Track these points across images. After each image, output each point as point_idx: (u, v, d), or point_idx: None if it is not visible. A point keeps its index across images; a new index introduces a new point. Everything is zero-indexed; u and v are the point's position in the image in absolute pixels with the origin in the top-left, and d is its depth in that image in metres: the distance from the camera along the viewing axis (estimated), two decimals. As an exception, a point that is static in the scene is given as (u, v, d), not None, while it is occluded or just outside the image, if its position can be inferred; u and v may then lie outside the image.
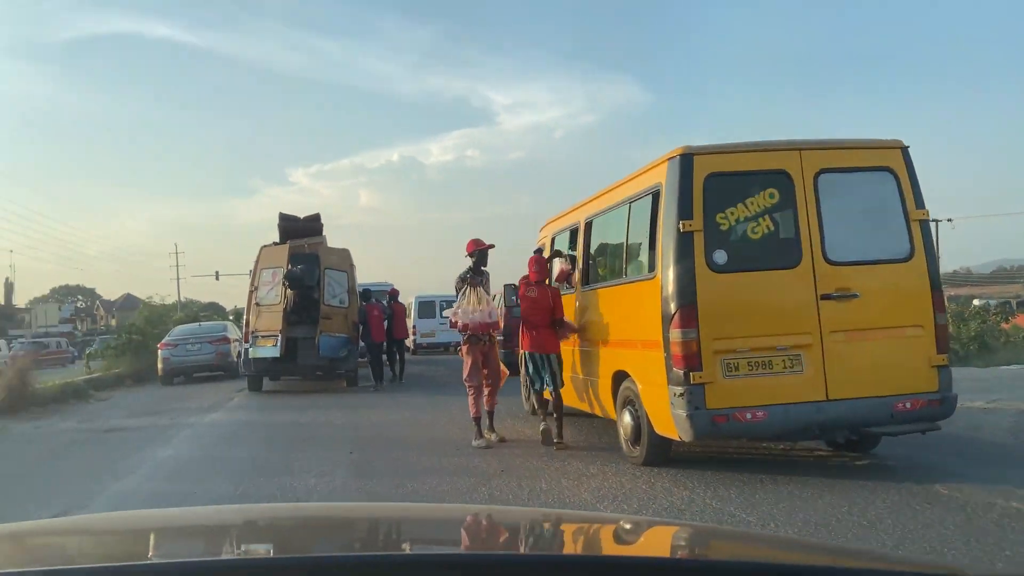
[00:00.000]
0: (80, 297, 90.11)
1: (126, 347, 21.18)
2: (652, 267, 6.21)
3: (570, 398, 7.98)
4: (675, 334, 5.77)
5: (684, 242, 5.80)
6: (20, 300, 74.77)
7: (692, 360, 5.73)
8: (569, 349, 7.93)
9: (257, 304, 14.19)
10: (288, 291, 13.91)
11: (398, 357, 15.68)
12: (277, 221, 15.01)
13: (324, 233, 15.20)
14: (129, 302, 72.44)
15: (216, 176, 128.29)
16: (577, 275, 8.09)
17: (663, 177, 6.07)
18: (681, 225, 5.81)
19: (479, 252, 8.25)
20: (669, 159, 6.05)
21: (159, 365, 18.11)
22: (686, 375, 5.72)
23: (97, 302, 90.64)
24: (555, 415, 7.57)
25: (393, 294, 16.32)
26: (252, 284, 14.42)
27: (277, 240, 15.07)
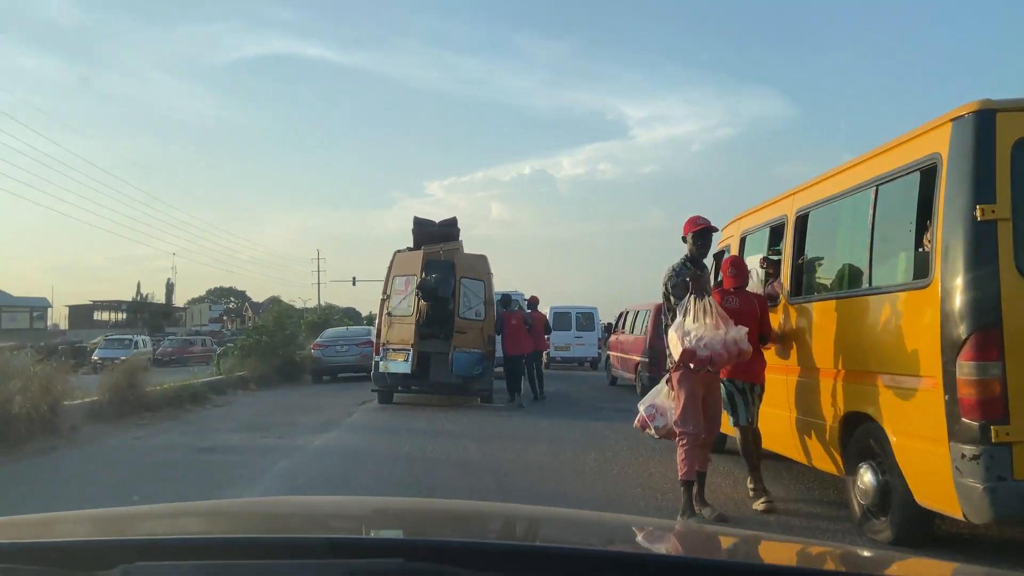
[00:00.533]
0: (232, 299, 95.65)
1: (253, 348, 19.92)
2: (923, 272, 4.43)
3: (767, 439, 6.20)
4: (966, 368, 3.97)
5: (982, 235, 4.01)
6: (179, 300, 79.88)
7: (994, 408, 3.92)
8: (770, 377, 6.17)
9: (389, 314, 13.22)
10: (421, 302, 12.89)
11: (536, 372, 14.43)
12: (412, 226, 14.09)
13: (460, 239, 14.16)
14: (275, 304, 75.75)
15: (358, 188, 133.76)
16: (784, 283, 6.33)
17: (944, 145, 4.28)
18: (978, 211, 4.01)
19: (701, 234, 5.70)
20: (955, 119, 4.23)
21: (311, 364, 20.44)
22: (984, 429, 3.90)
23: (246, 303, 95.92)
24: (753, 462, 5.89)
25: (532, 302, 14.97)
26: (385, 292, 13.48)
27: (411, 245, 14.16)
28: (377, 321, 13.70)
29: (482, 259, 13.72)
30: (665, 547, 1.51)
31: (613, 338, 20.11)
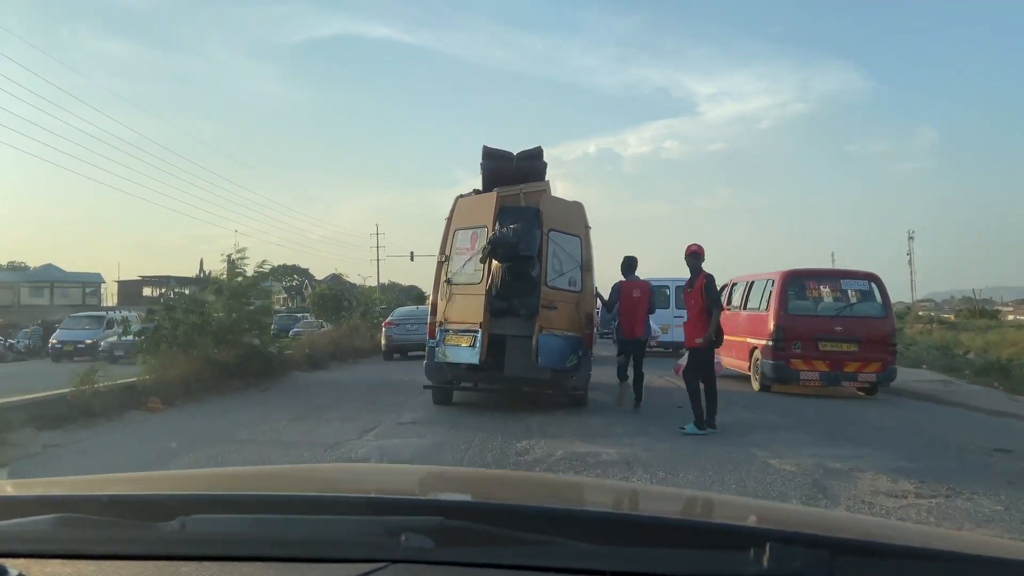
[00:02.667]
0: (296, 276, 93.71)
1: (167, 336, 12.27)
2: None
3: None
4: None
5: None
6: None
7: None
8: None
9: (448, 282, 9.37)
10: (494, 264, 9.02)
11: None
12: (480, 159, 10.13)
13: (548, 179, 10.02)
14: (335, 282, 74.21)
15: (422, 167, 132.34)
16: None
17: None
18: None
19: None
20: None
21: (383, 342, 20.04)
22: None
23: (306, 281, 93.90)
24: None
25: (629, 264, 9.96)
26: (442, 252, 9.62)
27: (479, 188, 10.28)
28: (432, 292, 9.84)
29: (577, 207, 9.63)
30: (700, 513, 1.48)
31: (714, 317, 16.00)
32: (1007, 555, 1.11)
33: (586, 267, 9.21)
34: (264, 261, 15.09)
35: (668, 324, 18.52)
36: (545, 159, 9.90)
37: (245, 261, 14.62)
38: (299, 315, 37.41)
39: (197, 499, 1.30)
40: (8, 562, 0.93)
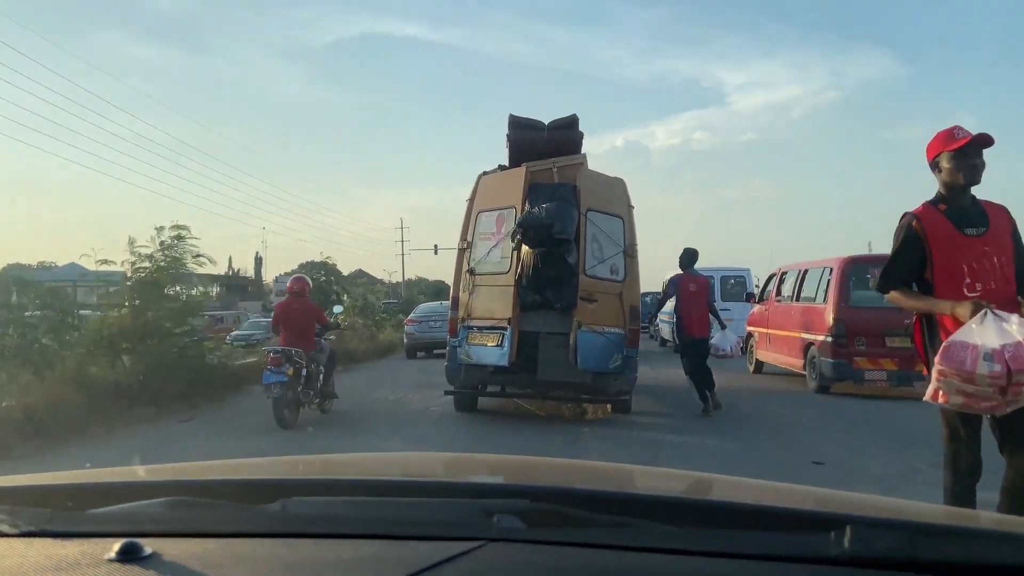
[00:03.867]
0: (322, 272, 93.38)
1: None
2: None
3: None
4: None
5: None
6: (269, 275, 77.65)
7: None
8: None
9: (471, 271, 8.07)
10: (524, 249, 7.67)
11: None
12: (506, 131, 8.77)
13: (584, 152, 8.51)
14: (360, 277, 74.07)
15: (450, 164, 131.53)
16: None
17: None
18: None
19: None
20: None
21: (404, 339, 19.13)
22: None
23: (332, 277, 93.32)
24: None
25: (690, 256, 8.96)
26: (463, 238, 8.29)
27: (505, 163, 8.92)
28: (453, 285, 8.53)
29: (619, 183, 8.16)
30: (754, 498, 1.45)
31: (759, 309, 14.51)
32: None
33: (630, 252, 7.83)
34: (198, 254, 10.84)
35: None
36: (581, 129, 8.50)
37: (188, 241, 10.59)
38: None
39: (295, 483, 1.35)
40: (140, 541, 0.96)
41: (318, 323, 8.68)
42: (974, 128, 3.51)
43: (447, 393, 8.40)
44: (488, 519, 1.04)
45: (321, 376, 8.52)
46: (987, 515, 1.97)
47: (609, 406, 8.35)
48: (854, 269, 11.42)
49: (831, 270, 11.52)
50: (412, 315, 19.78)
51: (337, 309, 14.97)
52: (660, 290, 14.16)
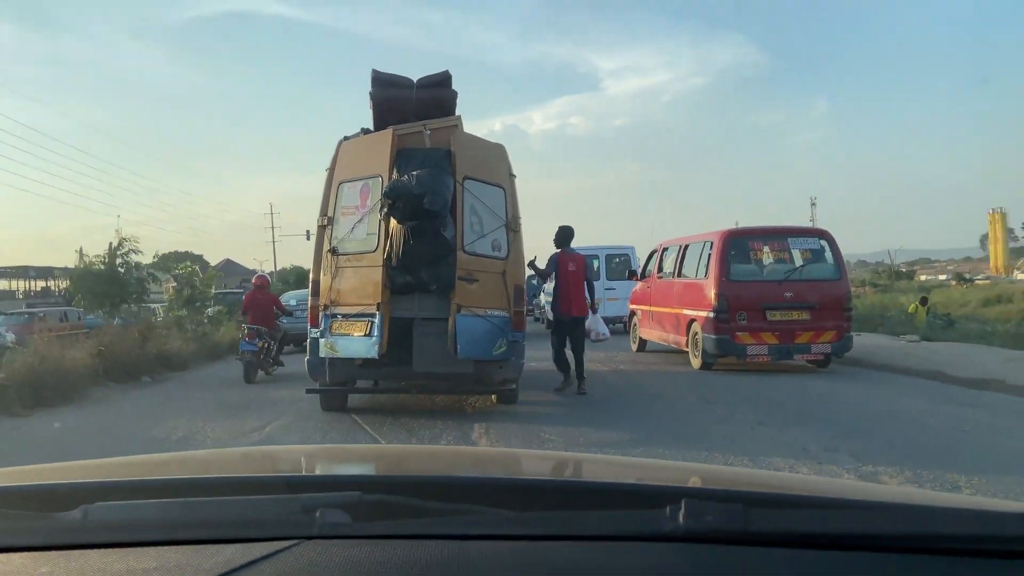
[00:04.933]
0: (189, 263, 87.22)
1: None
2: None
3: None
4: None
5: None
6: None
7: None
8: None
9: (333, 251, 6.97)
10: (393, 224, 6.69)
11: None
12: (369, 88, 7.63)
13: (459, 114, 7.53)
14: (228, 267, 70.09)
15: (323, 150, 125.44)
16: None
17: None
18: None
19: None
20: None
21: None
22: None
23: (196, 267, 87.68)
24: None
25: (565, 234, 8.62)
26: (323, 213, 7.14)
27: (369, 127, 7.83)
28: (312, 268, 7.36)
29: (499, 149, 7.22)
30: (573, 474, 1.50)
31: (641, 287, 14.18)
32: (916, 502, 1.16)
33: (513, 226, 6.97)
34: None
35: (600, 298, 16.53)
36: (455, 89, 7.52)
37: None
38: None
39: (100, 487, 1.23)
40: None
41: (277, 309, 11.40)
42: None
43: (309, 391, 7.28)
44: (311, 515, 0.97)
45: (275, 349, 11.11)
46: (831, 482, 2.00)
47: (494, 396, 7.53)
48: (734, 242, 11.16)
49: (711, 244, 11.22)
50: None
51: None
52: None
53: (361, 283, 6.67)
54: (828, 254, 11.02)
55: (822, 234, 11.49)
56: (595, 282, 16.24)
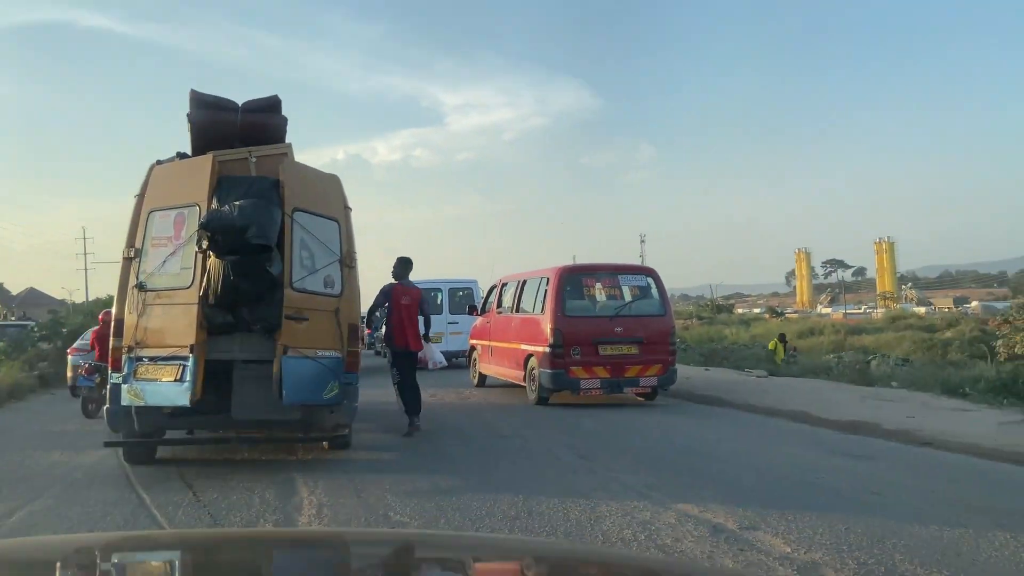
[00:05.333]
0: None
1: None
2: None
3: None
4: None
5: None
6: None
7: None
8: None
9: (140, 287, 6.23)
10: (212, 259, 6.09)
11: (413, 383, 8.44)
12: (188, 108, 6.93)
13: (290, 142, 6.95)
14: (32, 296, 62.79)
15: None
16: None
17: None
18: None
19: None
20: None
21: (68, 373, 14.27)
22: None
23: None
24: None
25: (403, 265, 8.58)
26: (130, 244, 6.39)
27: (186, 151, 7.14)
28: (116, 304, 6.54)
29: (333, 181, 6.82)
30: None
31: (481, 322, 14.18)
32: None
33: (348, 261, 6.61)
34: None
35: (443, 332, 16.28)
36: (284, 114, 7.06)
37: None
38: None
39: None
40: None
41: None
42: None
43: (108, 444, 6.43)
44: None
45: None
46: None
47: (326, 443, 7.06)
48: (569, 279, 11.42)
49: (548, 280, 11.41)
50: (78, 343, 15.25)
51: None
52: None
53: (172, 322, 6.01)
54: (654, 291, 11.55)
55: (648, 272, 12.04)
56: (438, 316, 16.27)
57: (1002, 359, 23.16)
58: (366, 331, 20.36)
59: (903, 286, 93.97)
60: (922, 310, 63.68)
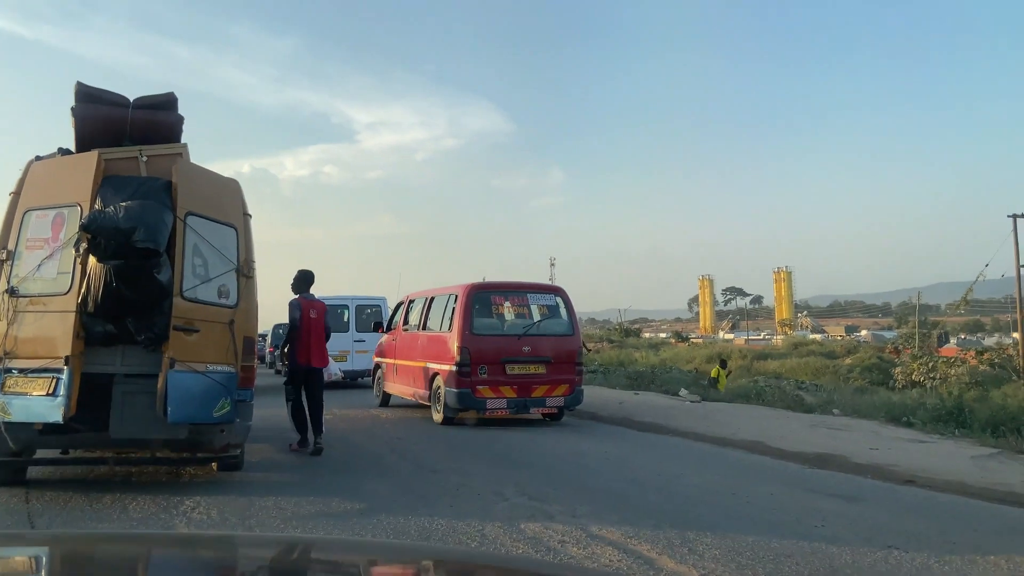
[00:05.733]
0: None
1: None
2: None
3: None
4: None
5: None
6: None
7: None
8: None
9: (11, 292, 5.68)
10: (92, 262, 5.66)
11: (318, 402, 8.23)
12: (73, 101, 6.47)
13: (186, 142, 6.55)
14: None
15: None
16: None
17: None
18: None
19: None
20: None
21: None
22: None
23: None
24: None
25: (304, 278, 8.45)
26: (1, 247, 5.81)
27: (69, 147, 6.63)
28: (-17, 310, 5.96)
29: (232, 185, 6.49)
30: None
31: (387, 339, 13.87)
32: None
33: (245, 271, 6.29)
34: None
35: (348, 350, 15.82)
36: (181, 113, 6.68)
37: None
38: None
39: None
40: None
41: None
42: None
43: None
44: None
45: None
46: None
47: (215, 464, 6.65)
48: (478, 296, 11.30)
49: (456, 297, 11.26)
50: None
51: None
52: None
53: (46, 331, 5.54)
54: (563, 310, 11.58)
55: (557, 291, 12.08)
56: (344, 333, 15.87)
57: (899, 385, 24.79)
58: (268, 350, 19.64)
59: (799, 314, 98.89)
60: (818, 337, 67.23)
